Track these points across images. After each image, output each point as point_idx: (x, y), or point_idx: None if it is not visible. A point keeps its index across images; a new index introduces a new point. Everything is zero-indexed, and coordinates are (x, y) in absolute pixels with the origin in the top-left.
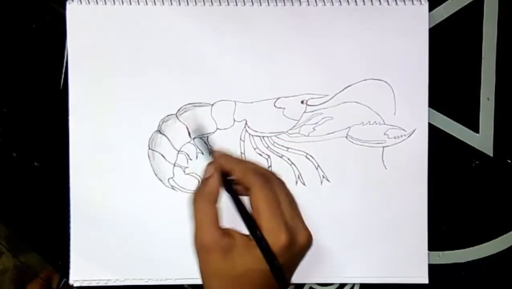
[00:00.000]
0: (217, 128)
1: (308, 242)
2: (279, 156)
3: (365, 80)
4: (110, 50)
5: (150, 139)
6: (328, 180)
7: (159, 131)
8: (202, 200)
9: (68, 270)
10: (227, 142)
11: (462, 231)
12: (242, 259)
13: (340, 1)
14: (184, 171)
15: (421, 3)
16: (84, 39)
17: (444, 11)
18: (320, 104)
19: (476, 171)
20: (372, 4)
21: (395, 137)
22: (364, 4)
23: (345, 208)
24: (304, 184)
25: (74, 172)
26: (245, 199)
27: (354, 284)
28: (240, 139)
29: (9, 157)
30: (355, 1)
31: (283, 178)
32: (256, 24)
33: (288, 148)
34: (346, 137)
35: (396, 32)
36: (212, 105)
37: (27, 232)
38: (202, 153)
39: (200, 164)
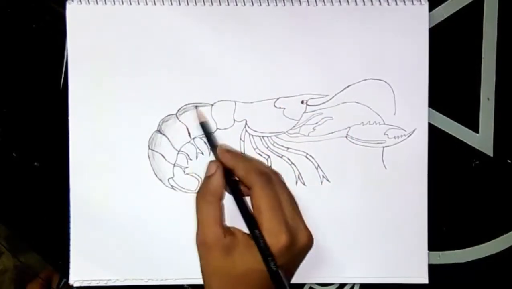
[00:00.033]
0: (217, 128)
1: (309, 242)
2: (279, 156)
3: (365, 80)
4: (110, 50)
5: (150, 139)
6: (328, 180)
7: (159, 131)
8: (205, 198)
9: (68, 270)
10: (227, 142)
11: (462, 231)
12: (243, 258)
13: (340, 1)
14: (184, 171)
15: (421, 3)
16: (84, 39)
17: (444, 11)
18: (320, 104)
19: (476, 171)
20: (372, 4)
21: (395, 137)
22: (364, 4)
23: (345, 208)
24: (304, 184)
25: (74, 172)
26: (247, 199)
27: (354, 284)
28: (240, 139)
29: (9, 157)
30: (355, 1)
31: (283, 178)
32: (256, 24)
33: (288, 148)
34: (346, 137)
35: (396, 32)
36: (212, 105)
37: (27, 232)
38: (202, 153)
39: (200, 164)
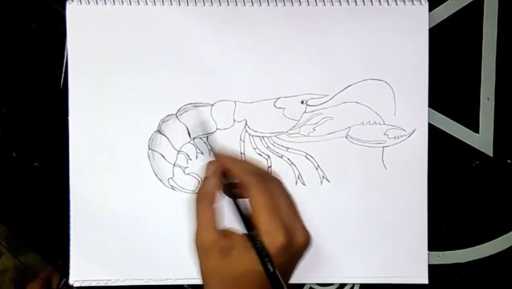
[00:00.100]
0: (217, 128)
1: (306, 242)
2: (279, 156)
3: (365, 80)
4: (110, 50)
5: (150, 139)
6: (328, 180)
7: (159, 131)
8: (201, 200)
9: (68, 270)
10: (227, 142)
11: (462, 231)
12: (240, 260)
13: (340, 1)
14: (184, 171)
15: (421, 3)
16: (84, 39)
17: (444, 11)
18: (320, 104)
19: (476, 171)
20: (372, 4)
21: (395, 137)
22: (364, 4)
23: (345, 208)
24: (304, 184)
25: (74, 172)
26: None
27: (354, 284)
28: (240, 139)
29: (9, 157)
30: (355, 1)
31: (283, 178)
32: (256, 24)
33: (288, 148)
34: (346, 137)
35: (396, 32)
36: (212, 105)
37: (27, 232)
38: (202, 153)
39: (200, 164)
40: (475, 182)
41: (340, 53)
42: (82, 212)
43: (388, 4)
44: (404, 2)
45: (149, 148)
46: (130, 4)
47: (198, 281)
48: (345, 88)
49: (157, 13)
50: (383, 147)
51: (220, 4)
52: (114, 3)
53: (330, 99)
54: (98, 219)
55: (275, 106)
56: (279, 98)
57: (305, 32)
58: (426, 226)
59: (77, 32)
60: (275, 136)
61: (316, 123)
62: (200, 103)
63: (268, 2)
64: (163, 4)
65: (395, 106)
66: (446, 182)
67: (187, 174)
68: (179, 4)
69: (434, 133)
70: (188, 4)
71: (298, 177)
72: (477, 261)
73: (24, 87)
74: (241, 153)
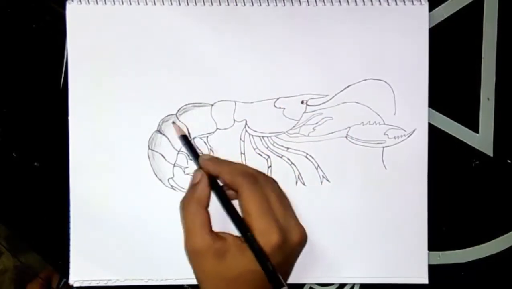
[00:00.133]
0: (217, 128)
1: (301, 239)
2: (279, 156)
3: (365, 80)
4: (110, 50)
5: (150, 139)
6: (328, 180)
7: (159, 131)
8: (193, 205)
9: (68, 270)
10: (227, 142)
11: (462, 231)
12: (236, 261)
13: (340, 1)
14: (184, 171)
15: (421, 3)
16: (84, 39)
17: (444, 11)
18: (320, 104)
19: (476, 171)
20: (372, 4)
21: (395, 137)
22: (364, 4)
23: (345, 208)
24: (304, 184)
25: (74, 172)
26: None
27: (354, 284)
28: (240, 139)
29: (9, 157)
30: (355, 1)
31: (283, 178)
32: (256, 24)
33: (288, 148)
34: (346, 137)
35: (396, 32)
36: (212, 105)
37: (27, 232)
38: (202, 153)
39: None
40: (475, 182)
41: (340, 53)
42: (82, 212)
43: (388, 4)
44: (404, 2)
45: (149, 148)
46: (130, 4)
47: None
48: (345, 88)
49: (157, 13)
50: (383, 147)
51: (220, 4)
52: (114, 3)
53: (330, 99)
54: (98, 219)
55: (275, 106)
56: (279, 98)
57: (305, 32)
58: (426, 226)
59: (77, 32)
60: (275, 136)
61: (316, 123)
62: (200, 103)
63: (268, 2)
64: (163, 4)
65: (395, 106)
66: (446, 182)
67: (187, 174)
68: (179, 4)
69: (434, 133)
70: (188, 4)
71: (298, 177)
72: (477, 261)
73: (24, 87)
74: (241, 153)
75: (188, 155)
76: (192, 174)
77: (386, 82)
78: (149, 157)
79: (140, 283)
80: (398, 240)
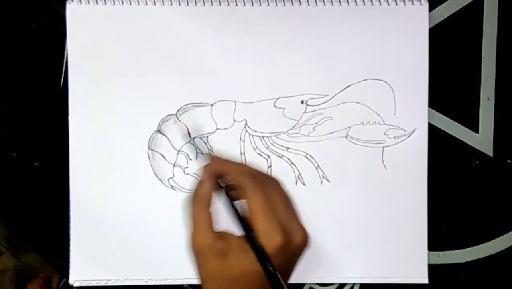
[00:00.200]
0: (217, 128)
1: (304, 241)
2: (279, 156)
3: (365, 80)
4: (110, 50)
5: (150, 139)
6: (328, 180)
7: (159, 131)
8: (196, 203)
9: (68, 270)
10: (227, 142)
11: (462, 231)
12: (238, 261)
13: (340, 1)
14: (184, 171)
15: (421, 3)
16: (84, 39)
17: (444, 11)
18: (320, 104)
19: (476, 171)
20: (372, 4)
21: (395, 137)
22: (364, 4)
23: (345, 208)
24: (304, 184)
25: (74, 172)
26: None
27: (354, 284)
28: (240, 139)
29: (9, 157)
30: (355, 1)
31: (283, 178)
32: (256, 24)
33: (288, 148)
34: (346, 137)
35: (396, 32)
36: (212, 105)
37: (27, 232)
38: (202, 153)
39: (200, 164)
40: (475, 182)
41: (340, 53)
42: (82, 212)
43: (388, 4)
44: (404, 2)
45: (149, 148)
46: (130, 4)
47: (198, 281)
48: (345, 88)
49: (157, 13)
50: (383, 147)
51: (220, 4)
52: (114, 3)
53: (330, 99)
54: (98, 219)
55: (275, 106)
56: (279, 98)
57: (305, 32)
58: (426, 226)
59: (77, 32)
60: (275, 136)
61: (316, 123)
62: (200, 103)
63: (268, 2)
64: (163, 4)
65: (395, 106)
66: (446, 182)
67: (187, 174)
68: (179, 4)
69: (434, 133)
70: (188, 4)
71: (298, 177)
72: (476, 261)
73: (24, 87)
74: (241, 153)
75: (188, 155)
76: (192, 174)
77: (386, 82)
78: (149, 157)
79: (140, 283)
80: (398, 240)
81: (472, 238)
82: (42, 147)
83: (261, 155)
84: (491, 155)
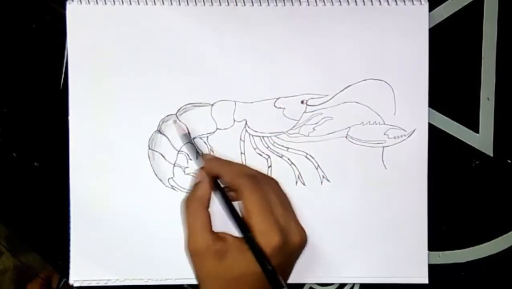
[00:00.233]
0: (217, 128)
1: (302, 241)
2: (279, 156)
3: (365, 80)
4: (110, 50)
5: (150, 139)
6: (328, 180)
7: (159, 131)
8: (194, 205)
9: (68, 270)
10: (227, 142)
11: (462, 231)
12: (236, 262)
13: (340, 1)
14: (184, 171)
15: (421, 3)
16: (84, 39)
17: (444, 11)
18: (320, 104)
19: (476, 171)
20: (372, 4)
21: (395, 137)
22: (364, 4)
23: (345, 208)
24: (304, 184)
25: (74, 172)
26: (236, 204)
27: (354, 284)
28: (240, 139)
29: (9, 157)
30: (355, 1)
31: (283, 178)
32: (256, 24)
33: (288, 148)
34: (346, 137)
35: (396, 32)
36: (212, 105)
37: (27, 232)
38: (202, 153)
39: (200, 164)
40: (475, 182)
41: (340, 53)
42: (82, 212)
43: (388, 4)
44: (404, 2)
45: (149, 148)
46: (130, 4)
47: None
48: (345, 88)
49: (157, 13)
50: (383, 147)
51: (220, 4)
52: (114, 3)
53: (330, 99)
54: (98, 219)
55: (275, 106)
56: (279, 98)
57: (305, 32)
58: (426, 226)
59: (77, 32)
60: (275, 136)
61: (316, 123)
62: (200, 103)
63: (268, 2)
64: (163, 4)
65: (395, 106)
66: (446, 182)
67: (187, 174)
68: (179, 4)
69: (434, 133)
70: (188, 4)
71: (298, 177)
72: (477, 261)
73: (24, 87)
74: (241, 153)
75: (188, 155)
76: (192, 174)
77: (386, 82)
78: (149, 157)
79: (140, 283)
80: (398, 240)
81: (472, 238)
82: (42, 147)
83: (261, 155)
84: (491, 155)
